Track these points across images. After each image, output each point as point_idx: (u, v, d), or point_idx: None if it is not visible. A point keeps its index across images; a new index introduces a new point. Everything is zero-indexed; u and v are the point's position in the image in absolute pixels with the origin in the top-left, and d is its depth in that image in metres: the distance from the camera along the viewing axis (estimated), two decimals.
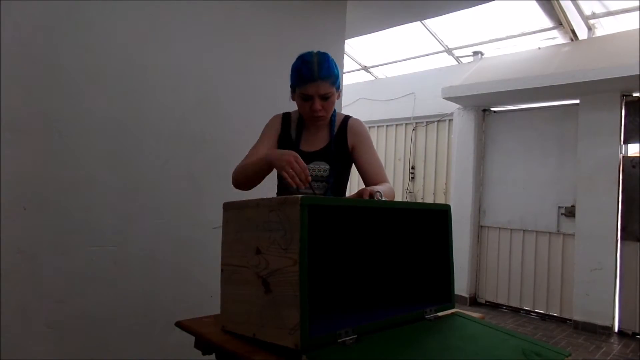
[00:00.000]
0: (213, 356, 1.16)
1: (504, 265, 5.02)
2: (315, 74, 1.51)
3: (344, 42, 3.24)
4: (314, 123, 1.62)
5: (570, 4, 4.35)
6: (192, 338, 1.19)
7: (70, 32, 1.97)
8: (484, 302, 5.19)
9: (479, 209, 5.23)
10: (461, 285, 5.11)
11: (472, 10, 4.28)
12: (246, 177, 1.54)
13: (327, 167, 1.62)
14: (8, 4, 1.79)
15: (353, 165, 1.73)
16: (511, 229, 4.97)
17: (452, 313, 1.26)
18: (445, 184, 5.63)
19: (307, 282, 0.89)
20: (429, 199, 5.73)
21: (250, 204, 1.06)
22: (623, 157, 4.23)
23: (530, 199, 4.82)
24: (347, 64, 6.01)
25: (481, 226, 5.23)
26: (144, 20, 2.19)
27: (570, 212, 4.53)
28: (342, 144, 1.66)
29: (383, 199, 1.28)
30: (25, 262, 1.86)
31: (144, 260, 2.19)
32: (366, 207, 1.31)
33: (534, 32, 4.88)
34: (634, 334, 4.10)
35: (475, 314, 1.31)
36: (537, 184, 4.78)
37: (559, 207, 4.63)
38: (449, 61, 5.72)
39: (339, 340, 0.93)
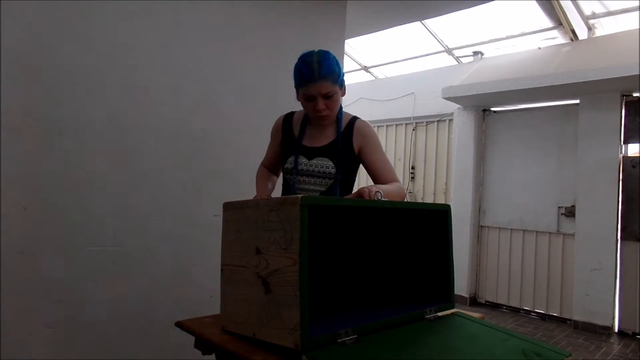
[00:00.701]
0: (213, 356, 1.16)
1: (504, 265, 5.02)
2: (316, 74, 1.51)
3: (344, 42, 3.24)
4: (319, 122, 1.63)
5: (570, 4, 4.35)
6: (192, 338, 1.19)
7: (70, 32, 1.97)
8: (484, 302, 5.19)
9: (479, 209, 5.23)
10: (461, 285, 5.11)
11: (472, 10, 4.28)
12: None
13: (331, 163, 1.62)
14: (8, 4, 1.79)
15: (361, 167, 1.74)
16: (511, 229, 4.97)
17: (452, 313, 1.26)
18: (445, 184, 5.63)
19: (307, 282, 0.89)
20: (429, 199, 5.73)
21: (250, 204, 1.06)
22: (623, 157, 4.23)
23: (530, 199, 4.82)
24: (347, 64, 6.01)
25: (481, 226, 5.23)
26: (144, 20, 2.19)
27: (570, 212, 4.53)
28: (348, 144, 1.65)
29: (383, 198, 1.27)
30: (25, 262, 1.86)
31: (144, 260, 2.19)
32: (366, 207, 1.31)
33: (534, 32, 4.88)
34: (634, 334, 4.10)
35: (475, 314, 1.31)
36: (537, 184, 4.78)
37: (559, 207, 4.63)
38: (449, 61, 5.72)
39: (339, 340, 0.93)
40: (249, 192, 1.73)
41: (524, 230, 4.88)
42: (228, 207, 1.14)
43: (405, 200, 5.60)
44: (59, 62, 1.94)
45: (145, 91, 2.20)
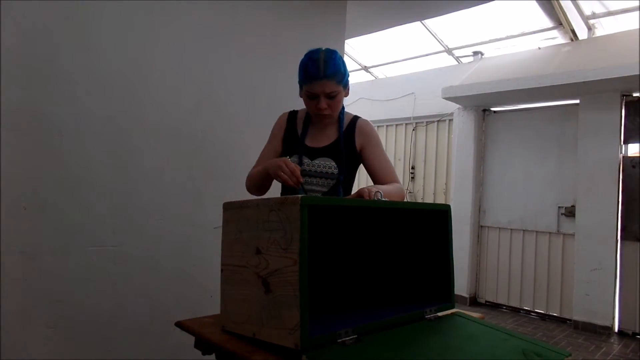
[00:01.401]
0: (213, 356, 1.16)
1: (504, 265, 5.02)
2: (322, 72, 1.49)
3: (344, 42, 3.24)
4: (320, 121, 1.61)
5: (570, 4, 4.35)
6: (192, 338, 1.19)
7: (70, 32, 1.96)
8: (484, 302, 5.19)
9: (479, 209, 5.23)
10: (461, 285, 5.11)
11: (472, 10, 4.28)
12: (256, 186, 1.62)
13: (334, 164, 1.60)
14: (8, 4, 1.79)
15: (360, 167, 1.73)
16: (511, 229, 4.97)
17: (452, 313, 1.26)
18: (445, 184, 5.63)
19: (307, 282, 0.89)
20: (429, 199, 5.73)
21: (250, 204, 1.06)
22: (623, 157, 4.23)
23: (530, 199, 4.82)
24: (347, 64, 6.00)
25: (481, 226, 5.23)
26: (144, 20, 2.19)
27: (570, 212, 4.53)
28: (350, 143, 1.65)
29: (383, 199, 1.27)
30: (25, 262, 1.86)
31: (144, 260, 2.19)
32: (366, 207, 1.31)
33: (534, 32, 4.88)
34: (634, 334, 4.10)
35: (475, 314, 1.31)
36: (537, 184, 4.78)
37: (559, 207, 4.63)
38: (449, 61, 5.72)
39: (339, 340, 0.93)
40: (248, 192, 1.73)
41: (524, 230, 4.88)
42: (228, 207, 1.14)
43: (405, 200, 5.59)
44: (59, 62, 1.94)
45: (146, 91, 2.20)
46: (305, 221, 0.90)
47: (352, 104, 6.21)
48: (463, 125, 5.28)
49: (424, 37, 5.30)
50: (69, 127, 1.97)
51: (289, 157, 1.60)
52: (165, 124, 2.27)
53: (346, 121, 1.68)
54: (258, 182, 1.59)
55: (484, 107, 5.20)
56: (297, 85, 1.63)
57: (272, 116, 1.82)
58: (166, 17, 2.26)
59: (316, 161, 1.61)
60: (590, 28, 4.65)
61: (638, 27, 4.19)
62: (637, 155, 4.22)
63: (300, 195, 0.92)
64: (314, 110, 1.56)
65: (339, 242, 1.47)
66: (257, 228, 1.01)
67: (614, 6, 4.30)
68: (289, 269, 0.91)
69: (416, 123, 5.92)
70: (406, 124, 6.03)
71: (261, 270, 0.99)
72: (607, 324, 4.18)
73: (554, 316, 4.64)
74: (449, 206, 1.30)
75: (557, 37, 4.82)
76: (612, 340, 4.03)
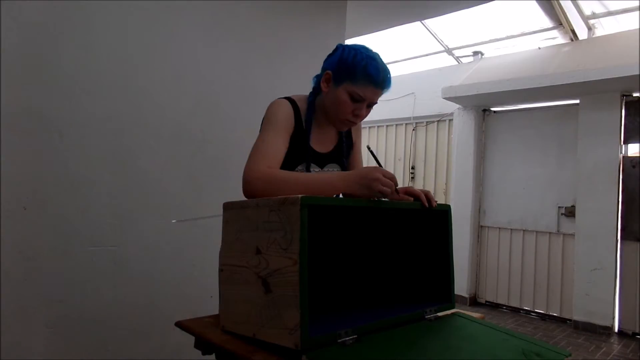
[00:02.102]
0: (213, 356, 1.16)
1: (504, 265, 5.02)
2: (383, 80, 1.32)
3: (344, 42, 3.23)
4: (339, 127, 1.43)
5: (570, 4, 4.35)
6: (192, 338, 1.19)
7: (70, 32, 1.96)
8: (484, 302, 5.19)
9: (479, 209, 5.23)
10: (461, 285, 5.11)
11: (472, 10, 4.28)
12: (280, 193, 1.10)
13: (339, 168, 1.49)
14: (8, 4, 1.79)
15: None
16: (511, 229, 4.97)
17: (452, 313, 1.26)
18: (445, 184, 5.63)
19: (307, 282, 0.89)
20: None
21: (250, 204, 1.06)
22: (623, 157, 4.23)
23: (530, 199, 4.82)
24: None
25: (481, 226, 5.23)
26: (144, 20, 2.19)
27: (570, 212, 4.53)
28: (350, 140, 1.55)
29: (383, 199, 1.27)
30: (25, 262, 1.86)
31: (144, 260, 2.19)
32: (366, 207, 1.31)
33: (534, 32, 4.88)
34: (634, 334, 4.10)
35: (475, 314, 1.31)
36: (537, 184, 4.78)
37: (559, 207, 4.63)
38: (449, 61, 5.72)
39: (339, 341, 0.93)
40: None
41: (524, 230, 4.88)
42: (228, 207, 1.14)
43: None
44: (59, 62, 1.94)
45: (145, 91, 2.20)
46: (306, 221, 0.90)
47: None
48: (463, 125, 5.28)
49: (424, 37, 5.30)
50: (69, 127, 1.97)
51: (298, 166, 1.38)
52: (165, 124, 2.27)
53: None
54: (288, 192, 1.06)
55: (484, 107, 5.20)
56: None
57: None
58: (166, 17, 2.26)
59: (326, 169, 1.46)
60: (590, 28, 4.66)
61: (638, 27, 4.19)
62: (637, 155, 4.23)
63: (300, 195, 0.92)
64: (348, 115, 1.35)
65: (339, 242, 1.47)
66: (257, 228, 1.01)
67: (614, 6, 4.30)
68: (289, 269, 0.91)
69: (416, 123, 5.92)
70: (406, 124, 6.03)
71: (261, 271, 0.99)
72: (607, 324, 4.18)
73: (554, 316, 4.65)
74: (449, 206, 1.30)
75: (557, 37, 4.82)
76: (612, 340, 4.03)
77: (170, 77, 2.29)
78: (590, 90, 4.24)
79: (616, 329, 4.20)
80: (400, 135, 6.11)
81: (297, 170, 1.36)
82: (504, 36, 5.12)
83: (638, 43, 3.88)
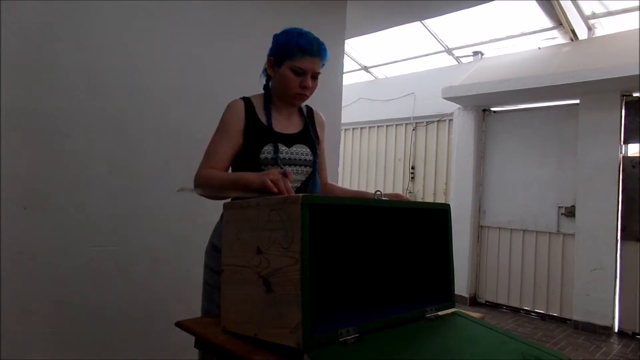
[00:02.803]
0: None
1: (504, 265, 5.02)
2: (315, 48, 1.43)
3: (344, 42, 3.24)
4: (294, 102, 1.52)
5: (570, 4, 4.35)
6: (192, 338, 1.19)
7: (70, 32, 1.96)
8: (484, 302, 5.19)
9: (479, 209, 5.23)
10: (461, 285, 5.11)
11: (472, 10, 4.28)
12: (216, 191, 1.41)
13: (309, 150, 1.54)
14: (8, 4, 1.79)
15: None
16: (511, 229, 4.97)
17: (452, 312, 1.26)
18: (445, 184, 5.63)
19: (309, 281, 0.89)
20: (429, 199, 5.73)
21: (250, 203, 1.06)
22: (623, 157, 4.23)
23: (530, 199, 4.82)
24: (347, 64, 6.01)
25: (481, 226, 5.23)
26: (144, 20, 2.19)
27: (570, 212, 4.53)
28: (315, 130, 1.63)
29: (383, 197, 1.27)
30: (25, 262, 1.86)
31: (144, 260, 2.19)
32: (367, 206, 1.31)
33: (534, 32, 4.88)
34: (634, 334, 4.10)
35: (475, 314, 1.31)
36: (537, 184, 4.78)
37: (559, 207, 4.63)
38: (449, 61, 5.72)
39: (341, 339, 0.93)
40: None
41: (524, 230, 4.88)
42: (228, 207, 1.14)
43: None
44: (59, 62, 1.94)
45: (146, 91, 2.20)
46: (307, 220, 0.90)
47: (352, 104, 6.22)
48: (463, 125, 5.28)
49: (424, 37, 5.30)
50: (69, 127, 1.97)
51: (264, 147, 1.44)
52: (165, 124, 2.27)
53: (304, 109, 1.64)
54: (223, 189, 1.38)
55: (484, 107, 5.20)
56: None
57: None
58: (166, 17, 2.26)
59: (293, 148, 1.52)
60: (590, 28, 4.66)
61: (638, 27, 4.19)
62: (637, 155, 4.23)
63: (301, 195, 0.92)
64: (296, 89, 1.45)
65: (340, 241, 1.47)
66: (258, 228, 1.01)
67: (614, 6, 4.30)
68: (290, 269, 0.91)
69: (416, 123, 5.92)
70: (406, 124, 6.03)
71: (262, 270, 0.99)
72: (607, 324, 4.18)
73: (554, 316, 4.64)
74: (448, 205, 1.30)
75: (557, 37, 4.82)
76: (612, 340, 4.03)
77: (171, 77, 2.29)
78: (590, 90, 4.24)
79: (616, 329, 4.20)
80: (400, 135, 6.11)
81: (264, 152, 1.45)
82: (504, 36, 5.13)
83: (638, 43, 3.88)
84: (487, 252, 5.18)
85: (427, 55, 5.74)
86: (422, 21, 4.91)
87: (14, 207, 1.83)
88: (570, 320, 4.44)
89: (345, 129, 6.53)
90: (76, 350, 1.98)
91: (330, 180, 1.74)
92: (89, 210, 2.03)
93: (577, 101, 4.49)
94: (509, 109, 5.10)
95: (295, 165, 1.51)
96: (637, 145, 4.26)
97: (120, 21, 2.11)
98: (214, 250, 1.54)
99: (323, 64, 1.47)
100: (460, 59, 5.64)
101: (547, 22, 4.64)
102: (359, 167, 6.51)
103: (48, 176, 1.92)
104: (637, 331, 4.09)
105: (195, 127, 2.38)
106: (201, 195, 1.42)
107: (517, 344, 1.10)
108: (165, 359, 2.23)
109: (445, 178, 5.64)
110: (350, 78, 6.53)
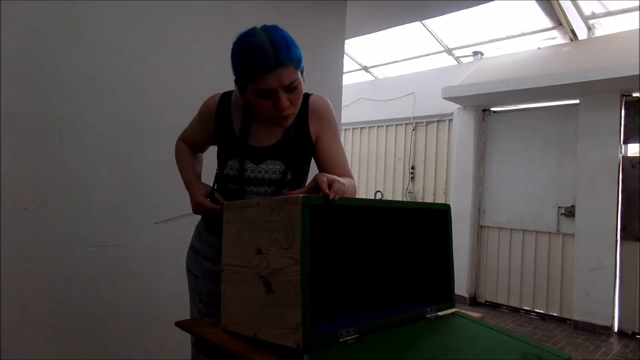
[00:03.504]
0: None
1: (504, 265, 5.02)
2: (272, 59, 1.11)
3: (344, 42, 3.24)
4: (281, 126, 1.26)
5: (570, 4, 4.35)
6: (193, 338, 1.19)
7: (70, 32, 1.96)
8: (484, 302, 5.19)
9: (479, 209, 5.23)
10: (461, 285, 5.11)
11: (472, 10, 4.28)
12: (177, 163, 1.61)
13: (281, 166, 1.30)
14: (8, 4, 1.79)
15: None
16: (511, 229, 4.97)
17: (452, 312, 1.26)
18: (445, 184, 5.63)
19: (309, 281, 0.89)
20: (429, 199, 5.74)
21: (251, 204, 1.06)
22: (623, 157, 4.23)
23: (530, 199, 4.82)
24: (347, 64, 6.01)
25: (481, 226, 5.23)
26: (144, 20, 2.19)
27: (570, 212, 4.53)
28: (304, 132, 1.31)
29: (383, 198, 1.27)
30: (25, 262, 1.86)
31: (144, 260, 2.19)
32: (367, 206, 1.31)
33: (534, 32, 4.88)
34: (634, 334, 4.10)
35: (475, 314, 1.31)
36: (537, 184, 4.78)
37: (559, 207, 4.63)
38: (449, 61, 5.72)
39: (341, 340, 0.93)
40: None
41: (523, 230, 4.88)
42: (229, 207, 1.14)
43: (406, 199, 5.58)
44: (59, 62, 1.94)
45: (145, 91, 2.20)
46: (307, 221, 0.90)
47: (352, 104, 6.22)
48: (463, 125, 5.28)
49: (424, 37, 5.30)
50: (69, 127, 1.97)
51: (229, 162, 1.30)
52: (165, 124, 2.27)
53: None
54: (179, 168, 1.61)
55: (484, 107, 5.20)
56: None
57: None
58: (166, 17, 2.26)
59: (262, 165, 1.30)
60: (590, 28, 4.66)
61: (638, 27, 4.19)
62: (637, 155, 4.23)
63: (301, 195, 0.92)
64: (273, 113, 1.19)
65: (340, 241, 1.47)
66: (258, 228, 1.01)
67: (613, 6, 4.30)
68: (291, 269, 0.91)
69: (416, 123, 5.92)
70: (406, 124, 6.03)
71: (262, 270, 0.99)
72: (607, 323, 4.18)
73: (554, 316, 4.65)
74: (448, 206, 1.30)
75: (557, 37, 4.83)
76: (611, 340, 4.03)
77: (170, 77, 2.29)
78: (590, 90, 4.24)
79: (616, 329, 4.20)
80: (400, 135, 6.11)
81: (228, 166, 1.30)
82: (504, 36, 5.13)
83: (638, 43, 3.88)
84: (487, 252, 5.19)
85: (427, 55, 5.74)
86: (422, 21, 4.91)
87: (14, 207, 1.83)
88: (570, 320, 4.44)
89: (345, 129, 6.53)
90: (76, 350, 1.98)
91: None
92: (89, 210, 2.03)
93: (577, 101, 4.49)
94: (509, 109, 5.10)
95: (258, 185, 1.31)
96: (637, 145, 4.26)
97: (120, 21, 2.11)
98: (192, 251, 1.50)
99: (297, 67, 1.17)
100: (460, 59, 5.64)
101: (547, 22, 4.64)
102: (358, 167, 6.51)
103: (48, 176, 1.92)
104: (637, 331, 4.09)
105: None
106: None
107: (518, 343, 1.10)
108: (165, 359, 2.23)
109: (445, 178, 5.64)
110: (350, 78, 6.53)
